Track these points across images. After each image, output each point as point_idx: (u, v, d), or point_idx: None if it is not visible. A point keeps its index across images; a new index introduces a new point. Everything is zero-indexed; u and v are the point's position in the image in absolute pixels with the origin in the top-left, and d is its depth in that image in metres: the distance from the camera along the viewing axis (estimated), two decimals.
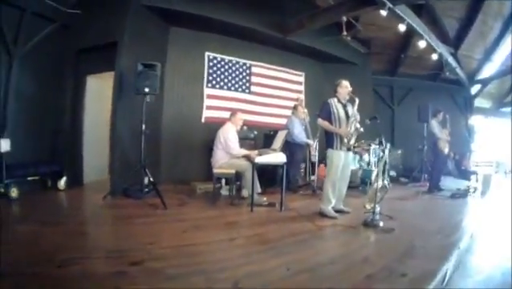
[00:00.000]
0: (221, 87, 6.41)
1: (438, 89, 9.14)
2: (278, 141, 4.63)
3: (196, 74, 6.15)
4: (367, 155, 6.22)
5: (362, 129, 4.02)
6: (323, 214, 3.92)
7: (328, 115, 4.02)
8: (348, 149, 4.03)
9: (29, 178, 4.58)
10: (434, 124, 6.08)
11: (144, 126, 4.48)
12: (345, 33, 5.53)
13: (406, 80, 9.01)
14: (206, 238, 3.02)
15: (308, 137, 5.80)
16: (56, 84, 5.25)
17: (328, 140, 4.08)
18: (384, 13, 4.82)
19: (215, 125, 5.21)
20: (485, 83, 9.07)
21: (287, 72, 7.40)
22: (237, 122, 4.77)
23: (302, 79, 7.72)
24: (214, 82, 6.32)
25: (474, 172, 6.39)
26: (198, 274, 2.20)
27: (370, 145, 6.16)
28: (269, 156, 4.26)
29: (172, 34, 5.93)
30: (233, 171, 4.46)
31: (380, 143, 3.98)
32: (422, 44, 5.87)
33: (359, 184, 6.02)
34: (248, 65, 6.77)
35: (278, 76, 7.24)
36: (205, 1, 5.51)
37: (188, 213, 4.02)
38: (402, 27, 5.28)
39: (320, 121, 4.08)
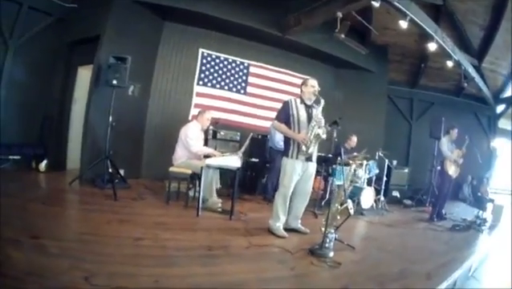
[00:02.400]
0: (213, 86, 6.23)
1: (461, 106, 8.18)
2: (244, 145, 4.35)
3: (187, 70, 6.04)
4: (360, 170, 5.58)
5: (324, 136, 3.44)
6: (271, 231, 3.49)
7: (286, 117, 3.51)
8: (308, 159, 3.48)
9: (10, 157, 4.87)
10: (444, 141, 5.35)
11: (111, 118, 4.52)
12: (337, 30, 4.97)
13: (427, 94, 8.11)
14: (119, 232, 2.95)
15: None
16: (49, 74, 5.53)
17: (284, 146, 3.60)
18: (376, 4, 4.19)
19: None
20: (510, 102, 7.81)
21: (291, 75, 6.99)
22: (204, 121, 4.54)
23: None
24: (206, 80, 6.17)
25: (491, 200, 5.43)
26: (69, 259, 2.21)
27: (366, 158, 5.58)
28: (220, 159, 3.98)
29: (166, 29, 5.87)
30: (189, 171, 4.25)
31: (338, 155, 3.36)
32: (432, 47, 5.08)
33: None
34: (246, 64, 6.52)
35: (280, 79, 6.87)
36: None
37: (133, 207, 3.94)
38: (403, 24, 4.61)
39: (276, 124, 3.56)
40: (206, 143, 5.49)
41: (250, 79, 6.58)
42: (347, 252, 3.18)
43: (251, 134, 4.49)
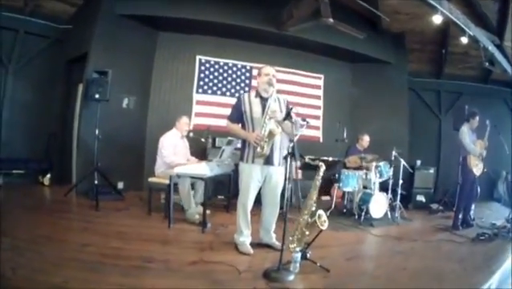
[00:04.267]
0: (214, 93, 6.07)
1: (490, 93, 7.14)
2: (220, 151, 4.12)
3: (185, 79, 5.98)
4: (373, 173, 4.93)
5: (279, 132, 2.91)
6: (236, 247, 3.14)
7: (239, 115, 3.09)
8: (268, 162, 2.98)
9: (14, 171, 5.28)
10: (464, 131, 4.48)
11: (97, 131, 4.64)
12: (322, 15, 4.41)
13: (454, 83, 7.12)
14: (72, 238, 3.10)
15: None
16: (51, 93, 5.84)
17: (240, 149, 3.18)
18: None
19: None
20: None
21: (300, 75, 6.61)
22: (182, 127, 4.44)
23: (320, 82, 6.77)
24: (206, 87, 6.04)
25: None
26: (12, 253, 2.47)
27: (376, 159, 4.93)
28: (189, 167, 3.80)
29: (160, 38, 5.91)
30: (167, 181, 4.11)
31: (291, 155, 2.81)
32: (437, 19, 4.36)
33: (357, 210, 4.82)
34: (248, 68, 6.27)
35: (288, 79, 6.48)
36: (190, 3, 5.35)
37: (109, 217, 3.96)
38: None
39: (228, 124, 3.17)
40: (205, 152, 5.35)
41: (255, 83, 6.28)
42: (316, 276, 2.57)
43: (228, 138, 4.22)
